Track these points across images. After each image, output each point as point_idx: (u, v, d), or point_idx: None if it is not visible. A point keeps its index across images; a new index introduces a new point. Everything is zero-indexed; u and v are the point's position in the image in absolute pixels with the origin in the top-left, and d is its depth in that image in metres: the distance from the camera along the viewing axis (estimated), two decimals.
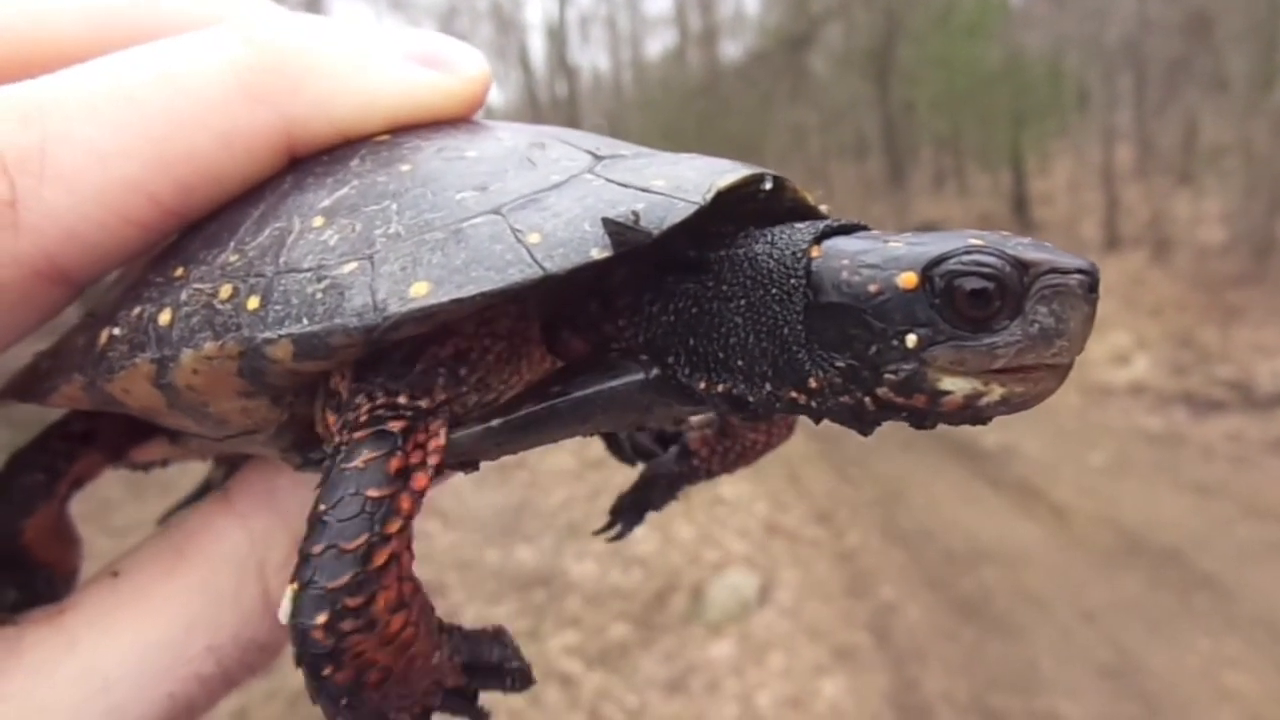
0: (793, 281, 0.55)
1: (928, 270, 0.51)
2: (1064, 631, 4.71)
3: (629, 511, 0.88)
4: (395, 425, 0.52)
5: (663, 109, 25.57)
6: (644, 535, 6.36)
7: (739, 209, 0.59)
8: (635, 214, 0.51)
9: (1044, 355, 0.51)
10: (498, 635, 0.59)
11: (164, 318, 0.56)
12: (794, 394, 0.55)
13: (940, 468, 7.27)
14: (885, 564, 5.65)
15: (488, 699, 0.60)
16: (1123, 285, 12.30)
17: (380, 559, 0.49)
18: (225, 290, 0.54)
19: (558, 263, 0.49)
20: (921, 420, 0.54)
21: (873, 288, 0.52)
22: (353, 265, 0.51)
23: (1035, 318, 0.51)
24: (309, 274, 0.52)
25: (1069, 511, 6.17)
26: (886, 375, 0.52)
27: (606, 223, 0.50)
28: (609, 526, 0.89)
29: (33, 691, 0.53)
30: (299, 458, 0.60)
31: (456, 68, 0.61)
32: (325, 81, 0.57)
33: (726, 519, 6.33)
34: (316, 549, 0.48)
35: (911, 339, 0.51)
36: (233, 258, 0.56)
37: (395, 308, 0.48)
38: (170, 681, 0.56)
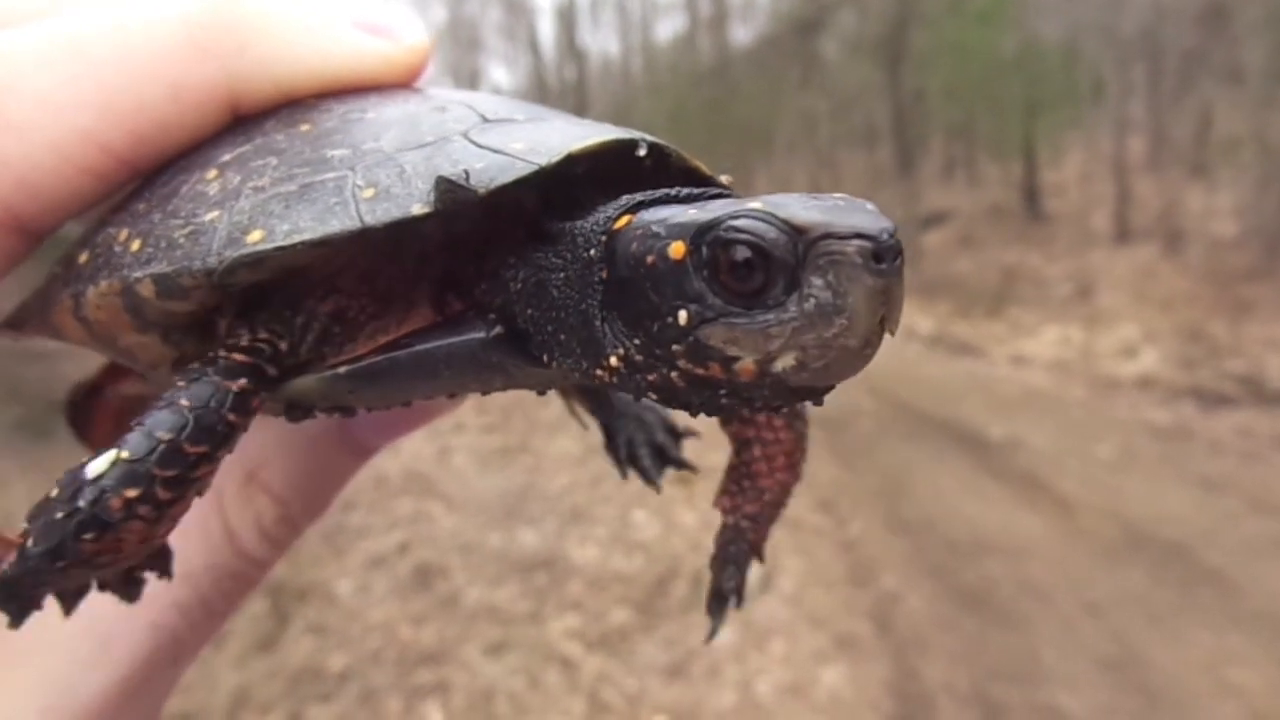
0: (590, 253, 0.52)
1: (695, 239, 0.47)
2: (1066, 624, 4.70)
3: (714, 605, 0.84)
4: (240, 358, 0.54)
5: (671, 94, 25.44)
6: (646, 521, 6.35)
7: (620, 179, 0.56)
8: (466, 173, 0.50)
9: (824, 335, 0.45)
10: (164, 554, 0.59)
11: (83, 257, 0.61)
12: (599, 372, 0.53)
13: (944, 458, 7.25)
14: (888, 553, 5.64)
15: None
16: (1133, 278, 12.23)
17: (201, 472, 0.50)
18: (123, 234, 0.58)
19: (378, 216, 0.50)
20: (739, 396, 0.49)
21: (650, 259, 0.48)
22: (214, 213, 0.54)
23: (811, 291, 0.45)
24: (181, 220, 0.55)
25: (1074, 504, 6.15)
26: (674, 347, 0.48)
27: (438, 180, 0.50)
28: (712, 633, 0.85)
29: (24, 633, 0.55)
30: None
31: (399, 36, 0.63)
32: (271, 42, 0.59)
33: None
34: (162, 434, 0.49)
35: (683, 315, 0.47)
36: (140, 205, 0.60)
37: (230, 253, 0.51)
38: (150, 611, 0.59)
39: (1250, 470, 6.53)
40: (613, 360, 0.51)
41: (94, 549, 0.48)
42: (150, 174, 0.62)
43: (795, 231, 0.45)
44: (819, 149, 23.83)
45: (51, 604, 0.55)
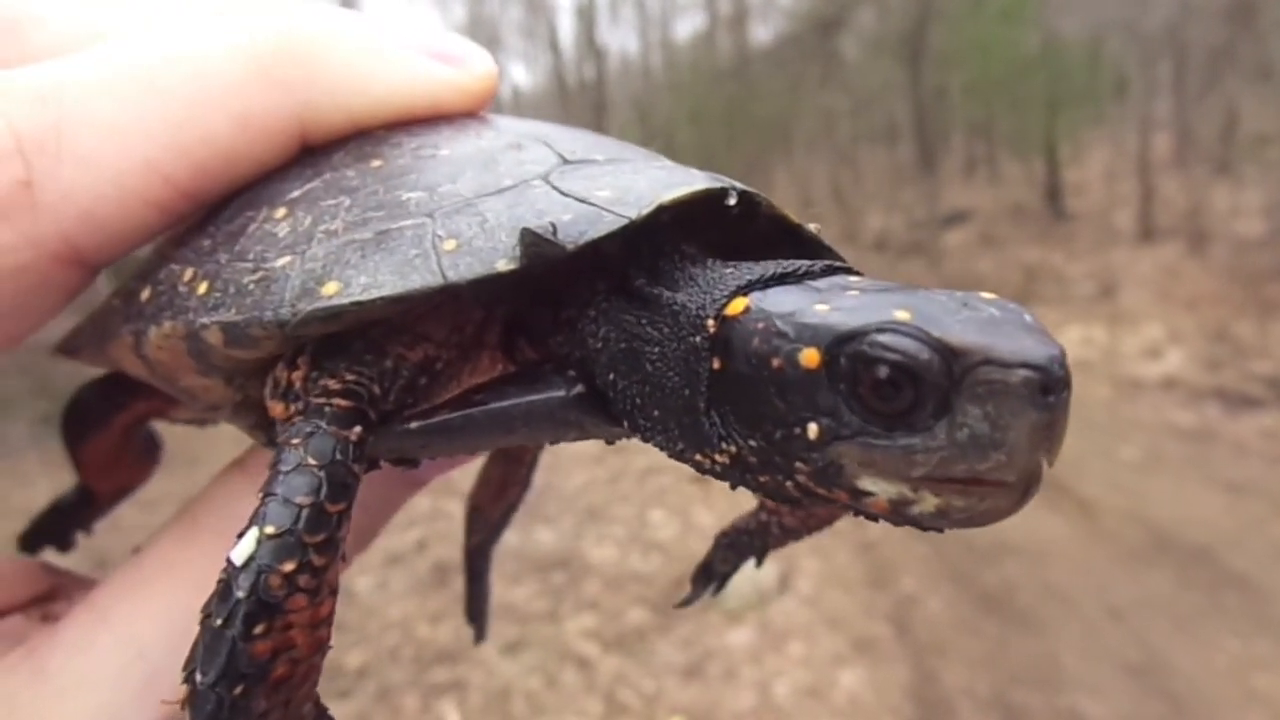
0: (695, 340, 0.48)
1: (832, 349, 0.42)
2: (1089, 628, 4.64)
3: (700, 578, 0.85)
4: (345, 403, 0.51)
5: (691, 92, 25.39)
6: (664, 521, 6.34)
7: (708, 227, 0.54)
8: (554, 226, 0.47)
9: (977, 468, 0.40)
10: None
11: (145, 294, 0.60)
12: (700, 458, 0.49)
13: None
14: (907, 555, 5.59)
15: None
16: (1157, 278, 12.07)
17: (344, 531, 0.48)
18: (188, 273, 0.57)
19: (461, 272, 0.47)
20: (865, 515, 0.45)
21: (776, 362, 0.44)
22: (286, 259, 0.52)
23: (965, 420, 0.40)
24: (250, 264, 0.53)
25: (1096, 506, 6.07)
26: (797, 463, 0.44)
27: (524, 233, 0.47)
28: (687, 600, 0.86)
29: (72, 666, 0.54)
30: (264, 436, 0.60)
31: (468, 64, 0.62)
32: (341, 71, 0.58)
33: (747, 506, 6.27)
34: (301, 498, 0.46)
35: (813, 429, 0.43)
36: (205, 242, 0.58)
37: (304, 305, 0.49)
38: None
39: (1276, 473, 6.42)
40: (719, 456, 0.47)
41: (267, 648, 0.44)
42: (214, 206, 0.60)
43: (950, 353, 0.40)
44: (839, 147, 23.70)
45: (101, 636, 0.53)
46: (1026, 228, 16.91)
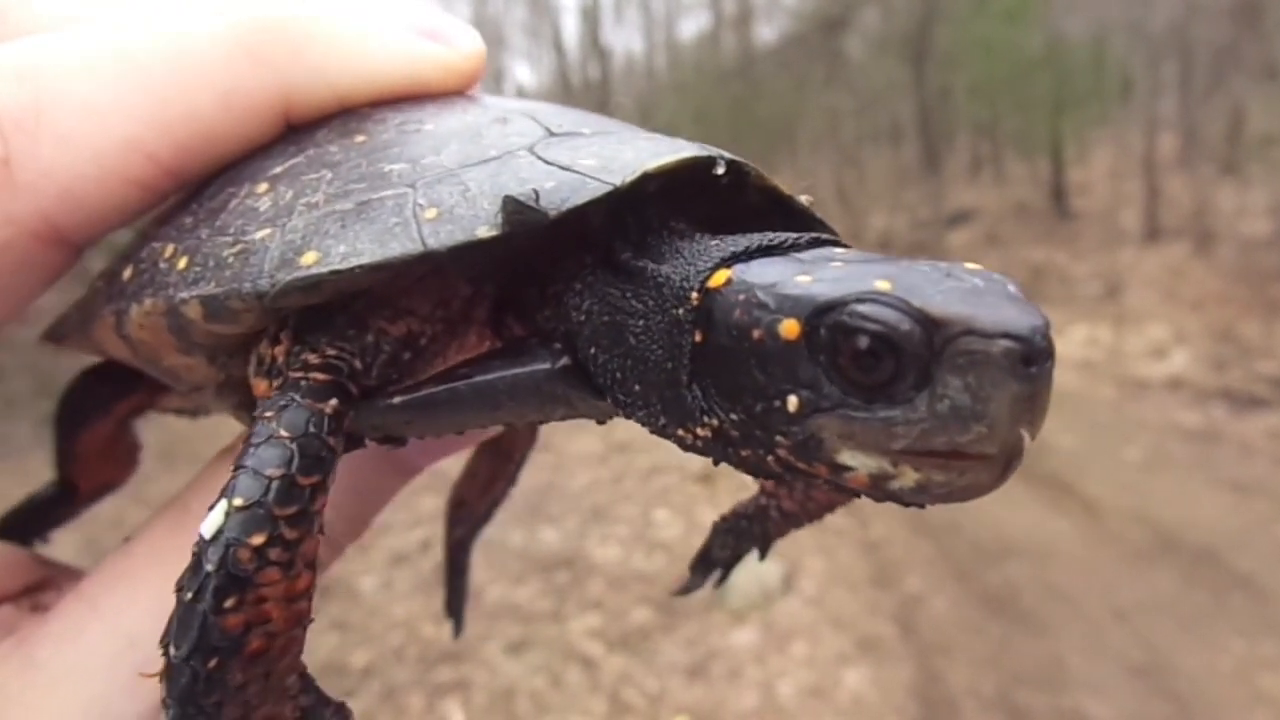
0: (678, 312, 0.47)
1: (812, 320, 0.41)
2: (1093, 629, 4.63)
3: (699, 565, 0.84)
4: (321, 377, 0.51)
5: (696, 92, 25.39)
6: (668, 521, 6.34)
7: (698, 201, 0.53)
8: (536, 193, 0.46)
9: (958, 440, 0.39)
10: (341, 711, 0.55)
11: (127, 273, 0.59)
12: (682, 433, 0.49)
13: None
14: (911, 555, 5.59)
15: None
16: (1163, 278, 12.04)
17: (319, 504, 0.47)
18: (169, 250, 0.56)
19: (441, 239, 0.47)
20: (839, 489, 0.44)
21: (756, 333, 0.43)
22: (265, 231, 0.51)
23: (945, 391, 0.39)
24: (230, 238, 0.52)
25: (1101, 507, 6.06)
26: (777, 437, 0.43)
27: (506, 201, 0.46)
28: (686, 588, 0.85)
29: (62, 656, 0.54)
30: (249, 417, 0.60)
31: (456, 42, 0.61)
32: (327, 48, 0.57)
33: None
34: (271, 470, 0.45)
35: (793, 401, 0.42)
36: (187, 219, 0.57)
37: (283, 275, 0.48)
38: None
39: None
40: (701, 430, 0.47)
41: (239, 621, 0.44)
42: (198, 185, 0.59)
43: (930, 323, 0.39)
44: (843, 147, 23.67)
45: (92, 625, 0.53)
46: (1031, 228, 16.88)
